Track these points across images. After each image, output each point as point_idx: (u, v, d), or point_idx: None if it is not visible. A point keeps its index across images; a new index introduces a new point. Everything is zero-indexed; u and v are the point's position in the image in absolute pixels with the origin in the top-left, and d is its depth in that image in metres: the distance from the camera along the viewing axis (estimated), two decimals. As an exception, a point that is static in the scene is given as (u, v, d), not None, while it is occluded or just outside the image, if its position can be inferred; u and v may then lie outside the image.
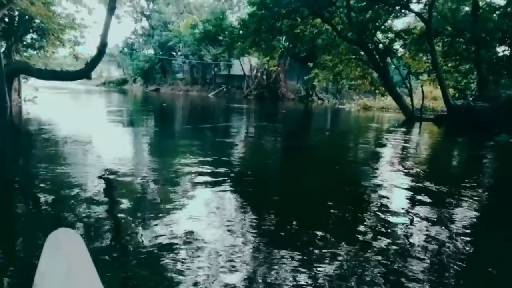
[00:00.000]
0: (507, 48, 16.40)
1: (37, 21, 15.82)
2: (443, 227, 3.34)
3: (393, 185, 4.89)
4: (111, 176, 4.58)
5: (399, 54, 17.41)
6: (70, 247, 1.18)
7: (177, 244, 2.66)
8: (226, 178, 4.68)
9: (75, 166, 5.09)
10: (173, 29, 37.53)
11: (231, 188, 4.23)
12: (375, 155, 7.61)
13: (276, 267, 2.41)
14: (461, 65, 18.20)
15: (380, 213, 3.62)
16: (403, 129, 13.30)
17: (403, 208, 3.89)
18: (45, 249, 1.16)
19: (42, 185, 4.13)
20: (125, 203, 3.56)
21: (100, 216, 3.19)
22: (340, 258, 2.59)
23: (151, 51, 43.47)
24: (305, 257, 2.56)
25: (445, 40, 17.55)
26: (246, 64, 32.52)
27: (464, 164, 7.62)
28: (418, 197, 4.32)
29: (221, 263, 2.42)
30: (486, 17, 15.12)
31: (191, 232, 2.86)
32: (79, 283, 1.06)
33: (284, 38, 20.48)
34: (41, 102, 16.17)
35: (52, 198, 3.71)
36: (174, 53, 40.83)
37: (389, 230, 3.19)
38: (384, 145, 9.02)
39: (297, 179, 5.23)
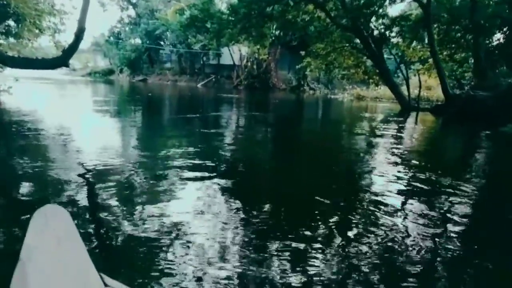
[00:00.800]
0: (502, 35, 15.91)
1: (13, 5, 14.72)
2: (446, 227, 3.05)
3: (394, 179, 4.44)
4: (88, 171, 4.15)
5: (395, 42, 16.78)
6: (58, 222, 1.24)
7: (165, 238, 2.52)
8: (215, 171, 4.37)
9: (45, 160, 4.50)
10: (160, 17, 36.31)
11: (220, 181, 3.95)
12: (373, 147, 7.03)
13: (267, 264, 2.28)
14: (456, 54, 17.69)
15: (376, 210, 3.32)
16: (400, 119, 12.75)
17: (403, 207, 3.36)
18: (32, 224, 1.20)
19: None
20: (107, 199, 3.28)
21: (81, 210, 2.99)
22: (334, 256, 2.44)
23: (138, 40, 42.15)
24: (297, 254, 2.42)
25: (441, 27, 16.98)
26: (236, 53, 31.66)
27: (473, 157, 7.03)
28: (418, 191, 3.73)
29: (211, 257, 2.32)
30: (484, 3, 14.54)
31: (180, 225, 2.75)
32: (67, 257, 1.09)
33: (275, 26, 19.70)
34: (19, 93, 15.21)
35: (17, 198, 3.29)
36: (161, 42, 39.66)
37: (385, 227, 2.95)
38: (381, 136, 8.44)
39: (290, 172, 4.71)
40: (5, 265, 1.89)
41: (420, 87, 15.78)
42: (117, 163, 4.55)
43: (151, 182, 3.85)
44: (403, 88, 17.11)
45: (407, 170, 5.01)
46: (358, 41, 16.81)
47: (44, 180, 3.77)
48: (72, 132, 7.02)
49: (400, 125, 11.34)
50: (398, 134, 9.11)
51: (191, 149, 5.68)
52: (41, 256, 1.09)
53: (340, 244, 2.61)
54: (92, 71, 48.75)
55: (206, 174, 4.16)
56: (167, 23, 34.35)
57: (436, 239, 2.77)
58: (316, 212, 3.23)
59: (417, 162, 5.74)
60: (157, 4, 40.14)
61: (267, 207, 3.32)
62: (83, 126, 8.07)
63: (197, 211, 3.05)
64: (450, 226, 3.05)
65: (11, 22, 16.36)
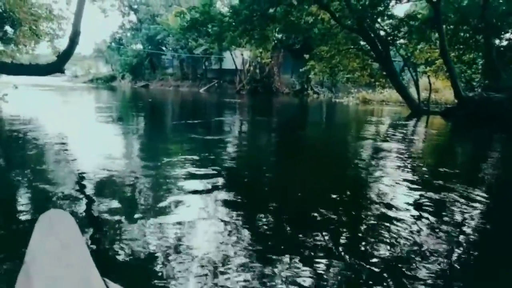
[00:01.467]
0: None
1: (8, 10, 14.21)
2: (459, 241, 2.77)
3: (404, 187, 4.05)
4: (88, 180, 3.99)
5: (403, 43, 16.18)
6: (62, 226, 1.25)
7: (166, 250, 2.41)
8: (218, 181, 4.12)
9: (44, 170, 4.34)
10: (161, 21, 35.94)
11: (223, 192, 3.74)
12: (383, 153, 6.40)
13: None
14: (464, 55, 17.09)
15: (385, 221, 3.01)
16: (409, 123, 12.17)
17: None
18: (37, 229, 1.23)
19: None
20: (107, 209, 3.12)
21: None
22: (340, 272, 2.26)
23: (139, 46, 41.84)
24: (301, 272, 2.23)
25: (448, 28, 16.39)
26: (238, 57, 31.17)
27: (489, 163, 6.37)
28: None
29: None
30: (496, 1, 13.96)
31: (182, 236, 2.62)
32: (71, 261, 1.09)
33: (277, 29, 19.16)
34: (16, 101, 14.71)
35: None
36: (163, 48, 39.25)
37: (394, 239, 2.73)
38: (391, 141, 7.87)
39: (296, 182, 4.37)
40: (10, 269, 1.96)
41: (430, 89, 15.18)
42: (118, 172, 4.37)
43: (153, 192, 3.68)
44: (411, 91, 16.52)
45: (419, 178, 4.63)
46: (363, 42, 16.26)
47: (43, 190, 3.62)
48: (72, 141, 6.76)
49: (411, 129, 10.76)
50: (409, 139, 8.54)
51: (194, 157, 5.37)
52: (45, 260, 1.08)
53: (348, 258, 2.43)
54: (94, 78, 48.50)
55: (209, 184, 3.93)
56: (168, 28, 33.97)
57: (449, 255, 2.55)
58: (322, 224, 2.98)
59: (430, 169, 5.35)
60: (158, 9, 39.87)
61: (271, 221, 3.07)
62: (84, 135, 7.72)
63: (200, 224, 2.90)
64: (462, 239, 2.81)
65: (7, 28, 15.89)
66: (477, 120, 11.55)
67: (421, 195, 3.89)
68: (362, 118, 14.40)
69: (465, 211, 3.41)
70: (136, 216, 2.96)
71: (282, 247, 2.55)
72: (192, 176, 4.19)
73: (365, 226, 2.96)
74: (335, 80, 26.45)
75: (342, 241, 2.68)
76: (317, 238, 2.69)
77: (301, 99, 26.23)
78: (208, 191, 3.68)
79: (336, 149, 7.30)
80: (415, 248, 2.60)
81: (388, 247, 2.57)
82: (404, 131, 10.09)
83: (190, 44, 31.56)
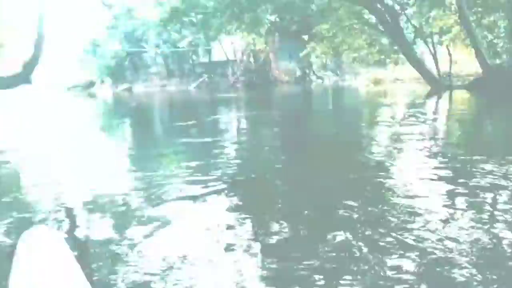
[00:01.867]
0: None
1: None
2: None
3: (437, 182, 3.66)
4: (73, 203, 3.74)
5: (414, 12, 15.79)
6: (49, 244, 1.25)
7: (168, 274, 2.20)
8: (219, 192, 3.85)
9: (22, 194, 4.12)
10: (138, 15, 35.60)
11: (226, 205, 3.51)
12: (409, 142, 6.02)
13: None
14: (484, 18, 16.66)
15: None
16: (432, 102, 11.78)
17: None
18: (20, 248, 1.23)
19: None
20: (97, 233, 2.97)
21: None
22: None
23: (118, 46, 41.48)
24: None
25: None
26: (229, 47, 30.87)
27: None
28: None
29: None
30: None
31: (183, 258, 2.41)
32: (63, 281, 1.08)
33: (269, 10, 18.80)
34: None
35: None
36: (144, 44, 38.87)
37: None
38: (415, 125, 7.52)
39: (307, 190, 3.93)
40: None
41: (451, 61, 14.77)
42: (106, 191, 4.13)
43: (147, 210, 3.42)
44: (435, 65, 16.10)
45: (450, 170, 4.22)
46: (368, 16, 15.89)
47: (23, 215, 3.36)
48: (49, 161, 6.21)
49: (433, 108, 10.37)
50: (432, 119, 8.19)
51: (188, 169, 4.97)
52: (33, 282, 1.05)
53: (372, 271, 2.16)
54: (71, 86, 48.16)
55: (210, 196, 3.71)
56: (147, 22, 33.66)
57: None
58: (341, 236, 2.67)
59: (461, 157, 4.90)
60: (134, 1, 39.45)
61: (283, 234, 2.81)
62: (62, 152, 7.08)
63: (202, 243, 2.71)
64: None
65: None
66: (508, 91, 11.14)
67: (453, 193, 3.48)
68: (375, 101, 13.98)
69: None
70: (128, 238, 2.79)
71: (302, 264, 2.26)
72: (188, 196, 3.80)
73: (390, 235, 2.65)
74: (340, 62, 26.12)
75: (365, 254, 2.40)
76: (337, 252, 2.46)
77: (303, 86, 25.94)
78: (208, 212, 3.40)
79: (350, 142, 6.83)
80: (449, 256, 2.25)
81: (417, 261, 2.26)
82: (426, 112, 9.71)
83: (173, 37, 31.23)
